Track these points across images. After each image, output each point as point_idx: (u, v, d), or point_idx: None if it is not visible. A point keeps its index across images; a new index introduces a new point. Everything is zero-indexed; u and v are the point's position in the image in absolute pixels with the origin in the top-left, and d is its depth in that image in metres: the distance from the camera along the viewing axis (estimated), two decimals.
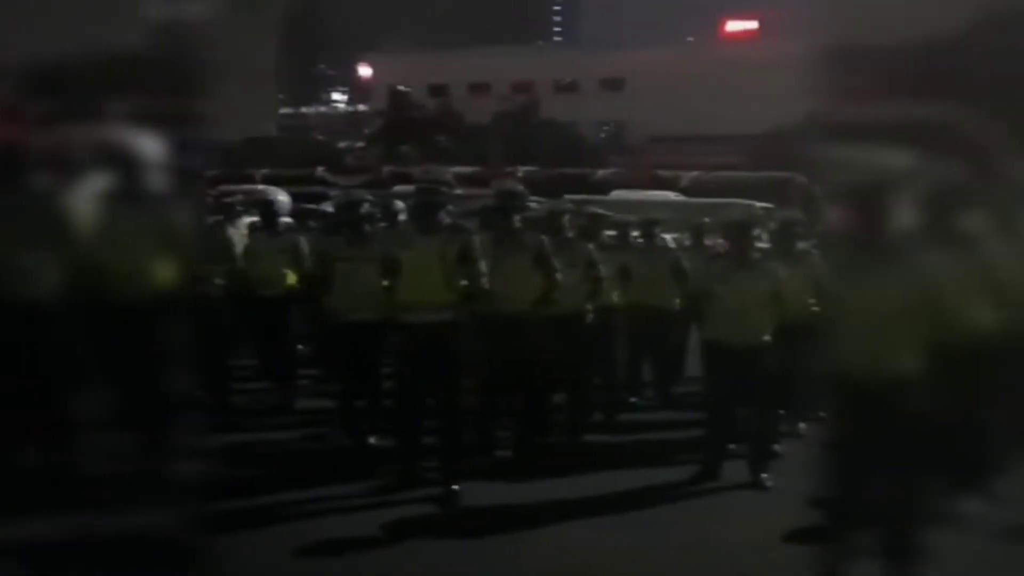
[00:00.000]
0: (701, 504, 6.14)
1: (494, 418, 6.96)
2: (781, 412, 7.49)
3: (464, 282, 5.88)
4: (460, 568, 4.99)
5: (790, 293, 6.67)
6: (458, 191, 7.39)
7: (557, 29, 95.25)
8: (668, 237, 10.75)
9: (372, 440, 6.94)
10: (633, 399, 8.75)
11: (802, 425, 8.04)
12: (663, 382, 9.21)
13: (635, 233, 9.26)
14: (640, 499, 6.10)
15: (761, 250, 7.32)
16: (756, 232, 6.70)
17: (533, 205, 10.85)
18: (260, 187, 21.55)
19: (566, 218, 7.72)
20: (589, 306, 7.47)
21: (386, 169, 33.92)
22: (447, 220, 6.05)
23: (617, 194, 23.27)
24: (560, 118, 45.93)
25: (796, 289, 7.00)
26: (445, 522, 5.59)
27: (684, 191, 27.25)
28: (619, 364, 8.45)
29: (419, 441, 6.10)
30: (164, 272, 5.23)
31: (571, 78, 56.37)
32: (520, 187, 7.33)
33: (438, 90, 52.42)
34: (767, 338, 6.48)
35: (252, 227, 8.88)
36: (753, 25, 55.84)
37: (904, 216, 4.68)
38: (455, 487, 5.85)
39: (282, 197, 14.40)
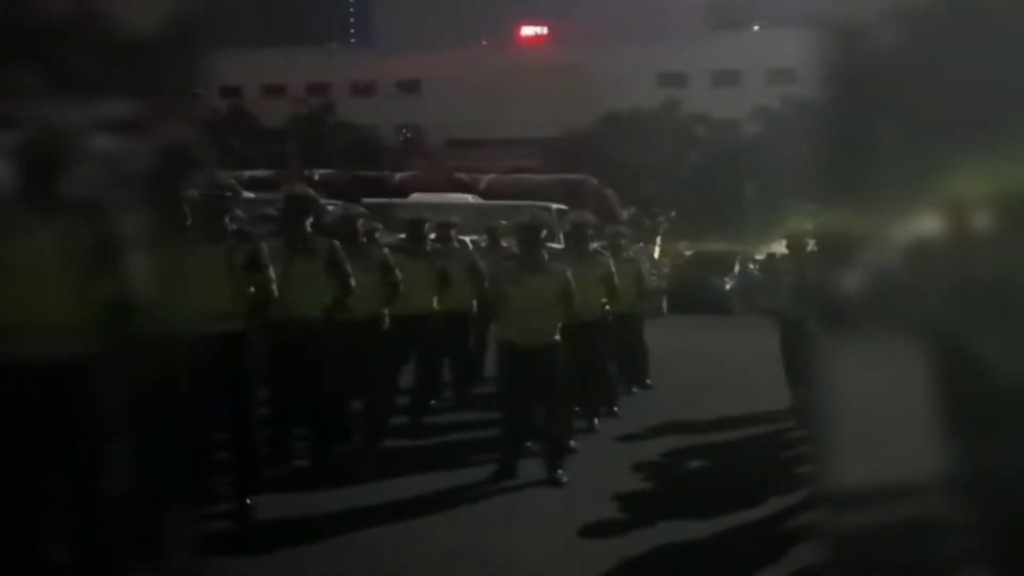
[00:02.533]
0: (499, 503, 6.20)
1: (289, 428, 6.80)
2: (576, 409, 7.71)
3: (252, 290, 5.70)
4: None
5: (580, 293, 6.85)
6: (250, 195, 7.16)
7: (352, 31, 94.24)
8: (467, 240, 10.86)
9: None
10: (433, 401, 8.76)
11: (596, 421, 8.31)
12: (462, 383, 9.29)
13: (432, 236, 9.27)
14: (439, 501, 6.11)
15: (551, 251, 7.50)
16: (544, 234, 6.84)
17: (331, 209, 10.68)
18: None
19: (360, 222, 7.64)
20: (385, 311, 7.44)
21: None
22: (233, 226, 5.84)
23: (416, 197, 23.22)
24: (357, 121, 45.48)
25: (586, 289, 7.22)
26: (239, 537, 5.40)
27: (482, 194, 27.50)
28: (419, 367, 8.44)
29: (209, 455, 5.87)
30: None
31: (367, 80, 55.97)
32: (311, 191, 7.17)
33: (230, 92, 50.76)
34: (557, 338, 6.64)
35: None
36: (544, 31, 57.30)
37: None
38: (248, 501, 5.67)
39: None
